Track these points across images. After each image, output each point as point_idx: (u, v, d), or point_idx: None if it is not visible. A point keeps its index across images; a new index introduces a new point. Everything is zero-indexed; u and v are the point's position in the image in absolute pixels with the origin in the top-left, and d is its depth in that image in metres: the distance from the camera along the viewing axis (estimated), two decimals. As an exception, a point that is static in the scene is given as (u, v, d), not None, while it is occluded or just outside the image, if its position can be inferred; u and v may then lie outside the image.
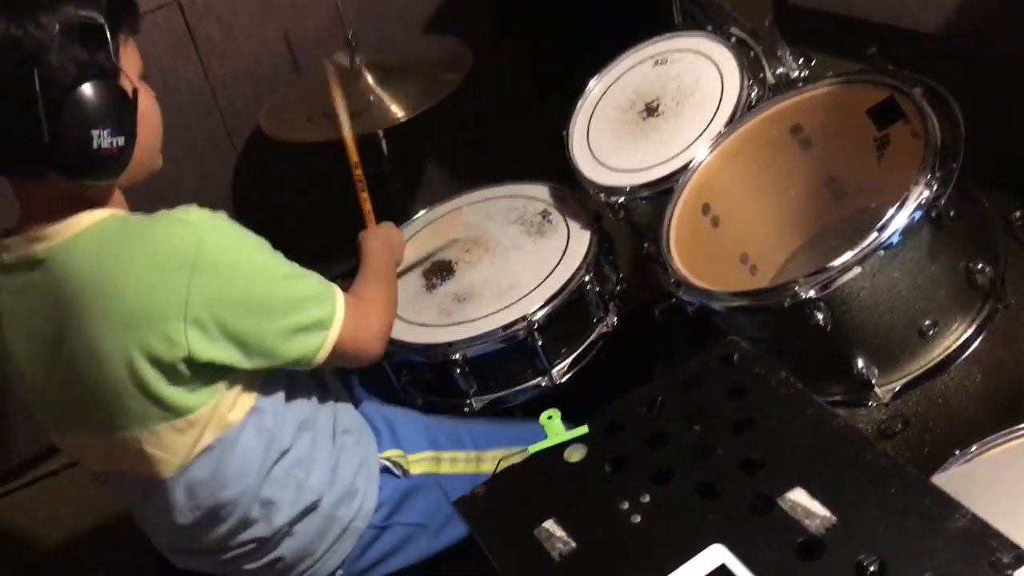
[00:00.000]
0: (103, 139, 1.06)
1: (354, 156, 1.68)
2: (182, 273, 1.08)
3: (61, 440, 1.25)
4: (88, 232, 1.11)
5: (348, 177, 1.68)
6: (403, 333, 1.62)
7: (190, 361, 1.11)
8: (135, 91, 1.11)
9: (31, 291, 1.14)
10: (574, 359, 1.62)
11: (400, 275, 1.70)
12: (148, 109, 1.15)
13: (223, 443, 1.18)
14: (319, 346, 1.21)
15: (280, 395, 1.24)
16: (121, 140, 1.08)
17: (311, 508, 1.28)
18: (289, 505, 1.26)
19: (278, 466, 1.24)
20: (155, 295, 1.08)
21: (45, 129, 1.03)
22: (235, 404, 1.18)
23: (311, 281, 1.23)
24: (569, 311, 1.59)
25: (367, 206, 1.64)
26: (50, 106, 1.02)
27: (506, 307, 1.58)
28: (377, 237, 1.55)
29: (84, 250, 1.11)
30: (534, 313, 1.55)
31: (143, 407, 1.13)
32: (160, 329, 1.08)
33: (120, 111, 1.08)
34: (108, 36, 1.07)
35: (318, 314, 1.21)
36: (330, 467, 1.29)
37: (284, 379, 1.25)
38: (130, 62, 1.13)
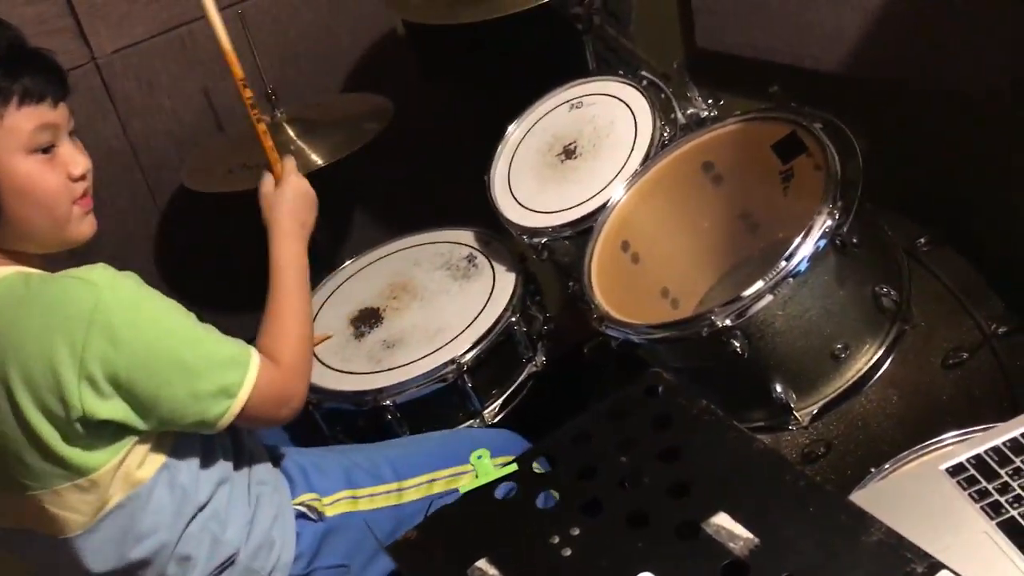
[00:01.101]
0: None
1: (239, 72, 1.47)
2: (78, 330, 1.06)
3: None
4: None
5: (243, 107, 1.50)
6: (333, 382, 1.62)
7: (85, 420, 1.09)
8: None
9: None
10: (505, 399, 1.64)
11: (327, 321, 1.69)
12: (26, 185, 1.11)
13: (133, 501, 1.16)
14: (220, 414, 1.17)
15: (194, 449, 1.22)
16: None
17: (228, 563, 1.26)
18: (205, 560, 1.23)
19: (194, 522, 1.22)
20: (50, 353, 1.06)
21: None
22: (144, 461, 1.16)
23: (221, 347, 1.19)
24: (498, 352, 1.61)
25: (268, 141, 1.46)
26: None
27: (435, 351, 1.60)
28: (283, 212, 1.39)
29: None
30: (463, 355, 1.56)
31: (43, 466, 1.11)
32: (55, 387, 1.07)
33: None
34: None
35: (223, 382, 1.17)
36: (247, 520, 1.28)
37: (197, 434, 1.24)
38: (11, 130, 1.09)
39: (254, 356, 1.21)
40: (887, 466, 1.11)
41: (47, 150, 1.13)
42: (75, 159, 1.16)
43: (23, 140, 1.10)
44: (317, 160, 1.91)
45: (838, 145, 1.33)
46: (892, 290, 1.31)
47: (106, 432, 1.12)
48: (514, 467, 1.08)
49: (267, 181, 1.45)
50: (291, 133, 1.98)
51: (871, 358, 1.32)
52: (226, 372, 1.17)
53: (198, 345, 1.17)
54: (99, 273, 1.11)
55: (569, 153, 1.72)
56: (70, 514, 1.15)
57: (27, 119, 1.10)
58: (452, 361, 1.56)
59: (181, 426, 1.17)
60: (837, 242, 1.23)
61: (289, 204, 1.41)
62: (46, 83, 1.12)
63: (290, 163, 1.47)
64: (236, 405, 1.17)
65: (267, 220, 1.41)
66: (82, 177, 1.17)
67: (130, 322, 1.10)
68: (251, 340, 1.26)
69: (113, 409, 1.10)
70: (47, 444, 1.09)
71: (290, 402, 1.26)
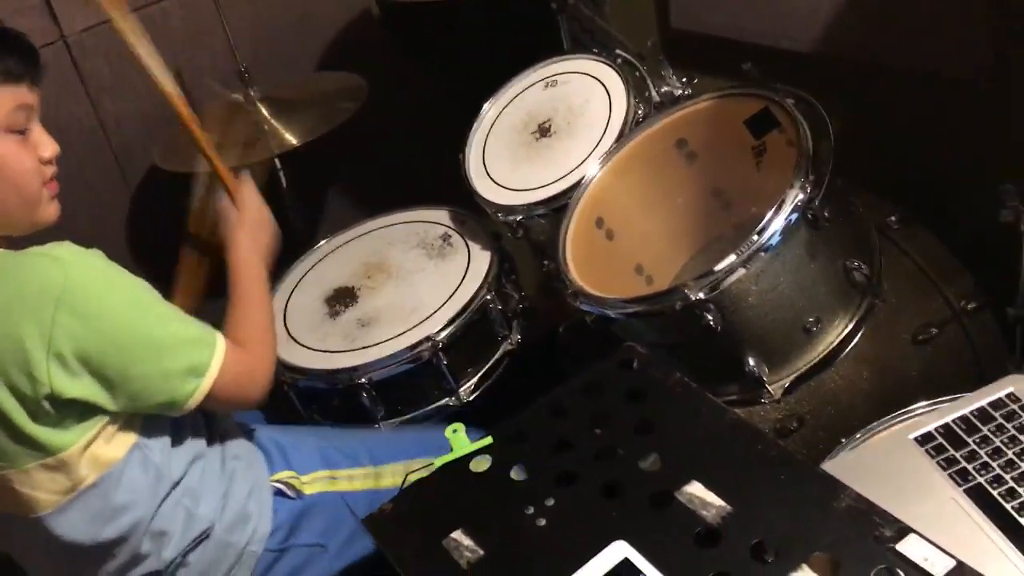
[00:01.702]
0: None
1: (184, 110, 1.44)
2: (46, 307, 1.05)
3: None
4: None
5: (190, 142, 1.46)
6: (308, 360, 1.61)
7: (53, 399, 1.08)
8: None
9: None
10: (480, 377, 1.64)
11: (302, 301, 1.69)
12: (1, 165, 1.11)
13: (106, 480, 1.16)
14: (189, 394, 1.16)
15: (165, 427, 1.22)
16: None
17: (203, 536, 1.26)
18: (180, 535, 1.23)
19: (168, 499, 1.22)
20: (17, 329, 1.05)
21: None
22: (113, 441, 1.16)
23: (188, 326, 1.19)
24: (473, 330, 1.61)
25: (221, 168, 1.44)
26: None
27: (410, 329, 1.60)
28: (244, 236, 1.39)
29: None
30: (438, 333, 1.56)
31: (10, 445, 1.10)
32: (23, 365, 1.06)
33: None
34: None
35: (191, 360, 1.16)
36: (220, 494, 1.28)
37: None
38: None
39: (220, 337, 1.21)
40: (858, 436, 1.13)
41: (22, 132, 1.14)
42: (45, 142, 1.17)
43: (1, 119, 1.11)
44: (292, 140, 1.89)
45: (811, 121, 1.34)
46: (863, 264, 1.32)
47: (74, 411, 1.11)
48: (489, 440, 1.08)
49: (226, 203, 1.44)
50: (264, 113, 1.97)
51: (842, 332, 1.33)
52: (194, 350, 1.17)
53: (167, 323, 1.17)
54: (66, 249, 1.11)
55: (544, 131, 1.72)
56: (40, 493, 1.14)
57: (5, 99, 1.11)
58: (427, 339, 1.56)
59: (150, 406, 1.16)
60: (809, 216, 1.24)
61: (247, 228, 1.41)
62: (25, 65, 1.13)
63: (247, 185, 1.46)
64: (205, 384, 1.17)
65: (226, 240, 1.40)
66: (50, 161, 1.18)
67: (99, 299, 1.09)
68: (217, 325, 1.26)
69: (82, 387, 1.09)
70: (14, 422, 1.08)
71: (256, 384, 1.26)
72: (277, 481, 1.36)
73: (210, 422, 1.31)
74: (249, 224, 1.41)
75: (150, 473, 1.19)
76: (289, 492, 1.36)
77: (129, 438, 1.18)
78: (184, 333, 1.18)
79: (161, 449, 1.21)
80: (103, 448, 1.15)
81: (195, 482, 1.25)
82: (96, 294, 1.09)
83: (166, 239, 2.26)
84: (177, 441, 1.24)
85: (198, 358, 1.17)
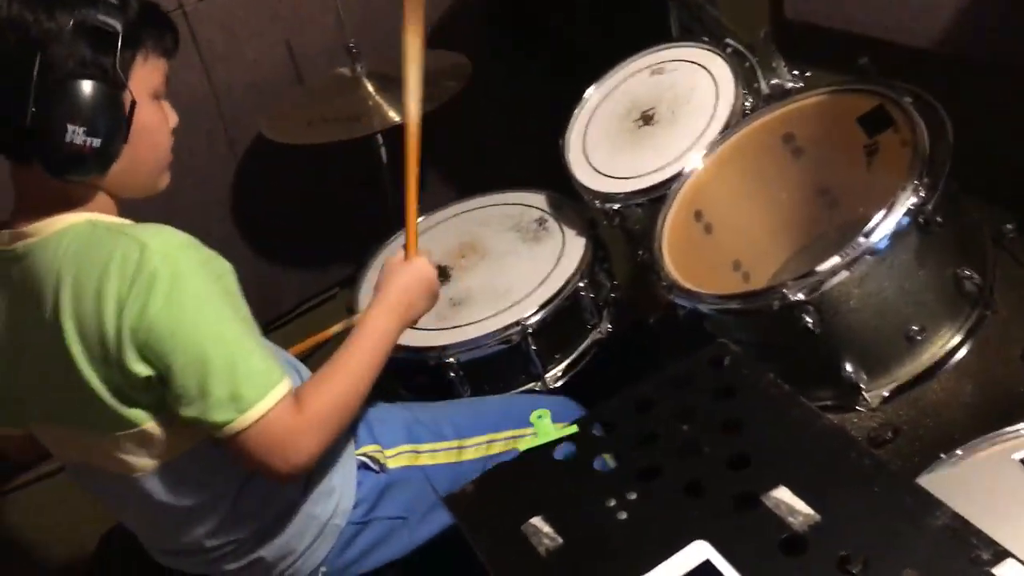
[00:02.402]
0: (76, 135, 1.06)
1: (414, 177, 1.42)
2: (123, 288, 1.07)
3: (37, 431, 1.26)
4: (61, 234, 1.13)
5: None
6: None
7: (126, 376, 1.10)
8: (133, 104, 1.12)
9: (8, 285, 1.16)
10: (568, 365, 1.63)
11: None
12: (151, 126, 1.16)
13: (194, 452, 1.18)
14: (222, 423, 1.09)
15: None
16: (96, 142, 1.08)
17: (288, 509, 1.28)
18: (264, 506, 1.26)
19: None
20: (98, 306, 1.08)
21: (29, 113, 1.05)
22: None
23: (253, 358, 1.11)
24: (563, 317, 1.61)
25: (412, 234, 1.40)
26: (41, 92, 1.04)
27: (501, 312, 1.60)
28: (399, 282, 1.32)
29: (53, 251, 1.12)
30: (528, 318, 1.56)
31: (98, 417, 1.13)
32: (103, 340, 1.09)
33: (104, 115, 1.08)
34: (119, 44, 1.08)
35: (237, 390, 1.08)
36: None
37: None
38: (143, 78, 1.13)
39: (281, 387, 1.11)
40: (959, 451, 1.08)
41: (159, 98, 1.19)
42: (172, 114, 1.22)
43: (152, 86, 1.16)
44: (395, 117, 1.91)
45: (927, 121, 1.28)
46: (975, 274, 1.26)
47: (148, 389, 1.12)
48: (574, 429, 1.08)
49: (397, 254, 1.39)
50: (370, 88, 1.99)
51: (948, 343, 1.28)
52: (244, 383, 1.09)
53: (227, 345, 1.10)
54: (158, 237, 1.10)
55: (647, 119, 1.69)
56: (132, 458, 1.18)
57: (157, 69, 1.16)
58: (517, 323, 1.56)
59: (184, 416, 1.11)
60: (920, 220, 1.19)
61: (407, 280, 1.33)
62: (173, 40, 1.18)
63: (425, 255, 1.40)
64: (241, 422, 1.09)
65: (379, 285, 1.34)
66: (173, 131, 1.22)
67: (167, 296, 1.08)
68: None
69: (143, 369, 1.10)
70: (97, 396, 1.12)
71: (292, 457, 1.12)
72: (362, 455, 1.38)
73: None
74: (412, 277, 1.34)
75: None
76: (373, 466, 1.38)
77: None
78: (242, 364, 1.10)
79: None
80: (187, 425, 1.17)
81: None
82: (165, 291, 1.08)
83: (271, 205, 2.32)
84: None
85: (245, 392, 1.09)
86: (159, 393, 1.13)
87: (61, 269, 1.11)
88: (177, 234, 1.12)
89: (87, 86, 1.06)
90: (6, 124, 1.07)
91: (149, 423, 1.15)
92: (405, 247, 1.39)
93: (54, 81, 1.05)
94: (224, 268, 1.14)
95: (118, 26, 1.08)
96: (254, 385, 1.09)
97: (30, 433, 1.27)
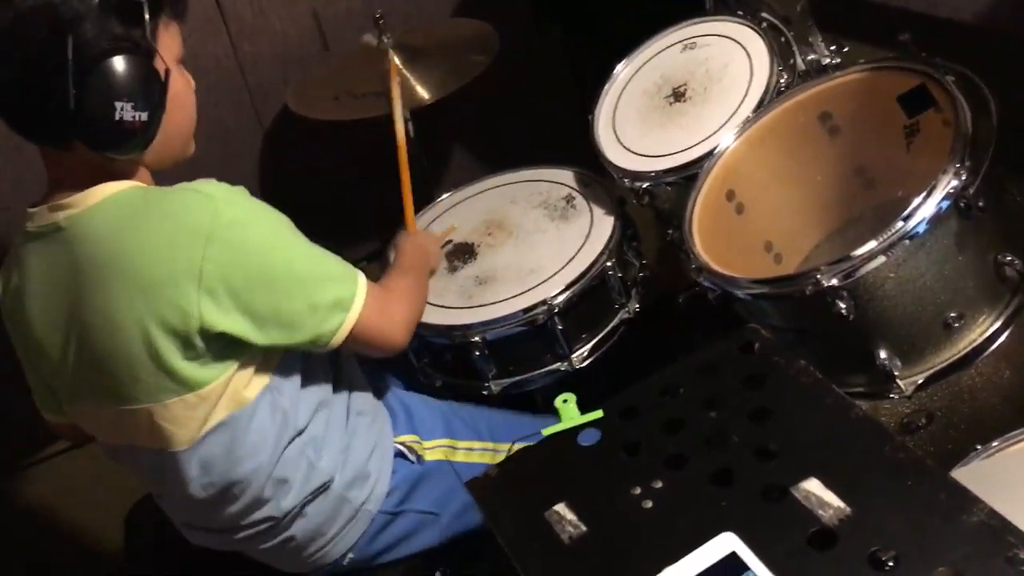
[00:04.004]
0: (125, 112, 1.07)
1: (404, 157, 1.70)
2: (197, 243, 1.08)
3: (74, 412, 1.26)
4: (108, 201, 1.12)
5: (392, 170, 1.70)
6: (424, 314, 1.62)
7: (203, 332, 1.11)
8: (167, 72, 1.12)
9: (51, 259, 1.15)
10: (594, 345, 1.61)
11: None
12: (181, 92, 1.16)
13: (237, 420, 1.19)
14: (336, 327, 1.19)
15: (296, 374, 1.24)
16: (144, 115, 1.09)
17: (322, 489, 1.28)
18: (301, 484, 1.26)
19: (292, 446, 1.24)
20: (170, 264, 1.08)
21: (72, 96, 1.04)
22: (250, 382, 1.18)
23: (332, 262, 1.22)
24: (590, 296, 1.58)
25: (409, 210, 1.66)
26: (79, 74, 1.04)
27: (527, 291, 1.58)
28: (413, 241, 1.54)
29: (103, 219, 1.12)
30: (555, 297, 1.54)
31: (155, 379, 1.13)
32: (174, 299, 1.09)
33: (147, 87, 1.09)
34: (146, 15, 1.08)
35: (337, 294, 1.19)
36: (342, 448, 1.29)
37: (300, 357, 1.25)
38: (167, 45, 1.14)
39: (361, 277, 1.24)
40: (995, 444, 1.05)
41: (181, 63, 1.19)
42: (190, 78, 1.21)
43: (176, 51, 1.16)
44: (424, 94, 1.89)
45: (971, 101, 1.23)
46: (1017, 259, 1.22)
47: (221, 346, 1.14)
48: (600, 413, 1.06)
49: (401, 232, 1.62)
50: (397, 62, 1.97)
51: (986, 330, 1.24)
52: (340, 285, 1.20)
53: (312, 259, 1.20)
54: (215, 187, 1.14)
55: (679, 96, 1.65)
56: (176, 428, 1.18)
57: (176, 33, 1.17)
58: (544, 302, 1.54)
59: (297, 342, 1.18)
60: (961, 204, 1.15)
61: (420, 239, 1.60)
62: (185, 5, 1.18)
63: (426, 232, 1.71)
64: (351, 317, 1.20)
65: (394, 248, 1.55)
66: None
67: (247, 236, 1.12)
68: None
69: (232, 322, 1.12)
70: (163, 357, 1.12)
71: (396, 326, 1.28)
72: (400, 443, 1.38)
73: (339, 374, 1.33)
74: (419, 241, 1.58)
75: (277, 417, 1.22)
76: (410, 455, 1.38)
77: (263, 379, 1.20)
78: (329, 269, 1.21)
79: (290, 394, 1.24)
80: (240, 387, 1.18)
81: (319, 432, 1.27)
82: (244, 230, 1.12)
83: (298, 178, 2.31)
84: (305, 388, 1.26)
85: (344, 292, 1.20)
86: (228, 347, 1.14)
87: (118, 235, 1.11)
88: (224, 183, 1.16)
89: (126, 61, 1.07)
90: (47, 111, 1.07)
91: (208, 384, 1.16)
92: (405, 224, 1.66)
93: (91, 60, 1.05)
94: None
95: None
96: (347, 283, 1.21)
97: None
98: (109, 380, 1.15)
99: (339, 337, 1.20)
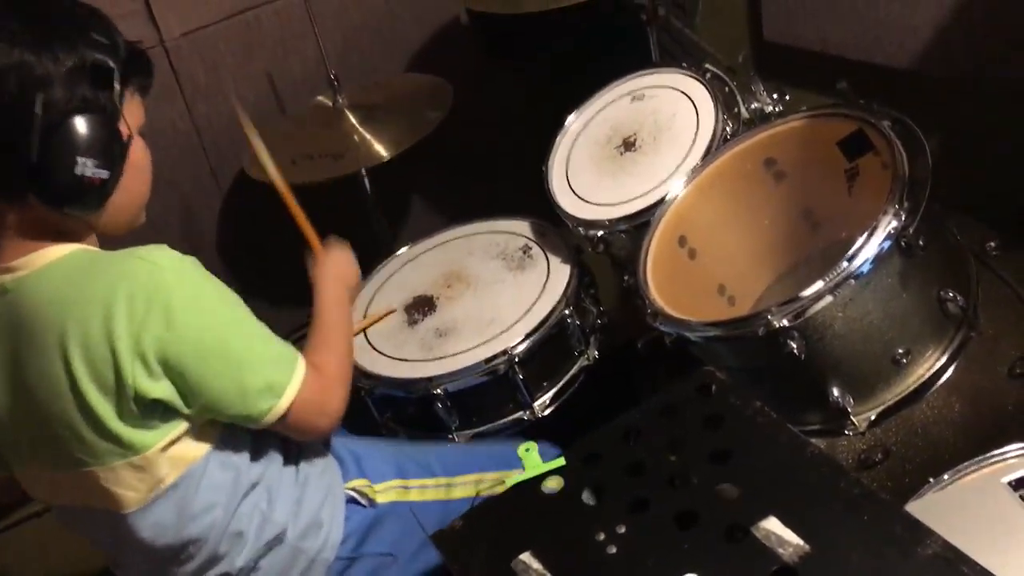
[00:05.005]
0: (87, 168, 1.09)
1: (283, 186, 1.56)
2: (136, 310, 1.08)
3: (27, 476, 1.25)
4: (56, 264, 1.13)
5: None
6: (385, 368, 1.62)
7: (137, 398, 1.11)
8: (130, 137, 1.15)
9: None
10: (556, 392, 1.63)
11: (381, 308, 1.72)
12: (140, 160, 1.18)
13: (187, 480, 1.18)
14: (265, 412, 1.17)
15: (244, 430, 1.24)
16: (104, 173, 1.11)
17: (276, 541, 1.27)
18: (255, 538, 1.25)
19: (246, 499, 1.24)
20: (110, 328, 1.08)
21: (35, 150, 1.06)
22: (194, 441, 1.18)
23: (271, 345, 1.20)
24: (550, 345, 1.60)
25: (310, 234, 1.52)
26: (45, 130, 1.06)
27: (487, 341, 1.59)
28: (328, 275, 1.44)
29: (49, 281, 1.12)
30: (515, 347, 1.56)
31: (99, 443, 1.13)
32: (112, 364, 1.09)
33: (109, 146, 1.11)
34: (116, 83, 1.11)
35: (270, 379, 1.17)
36: (295, 499, 1.29)
37: None
38: (132, 112, 1.16)
39: (300, 359, 1.21)
40: (946, 476, 1.08)
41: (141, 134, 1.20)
42: (148, 151, 1.22)
43: (138, 122, 1.18)
44: (382, 152, 1.91)
45: (907, 144, 1.29)
46: (958, 295, 1.26)
47: (157, 412, 1.13)
48: (562, 461, 1.07)
49: (312, 262, 1.49)
50: (353, 121, 1.99)
51: (934, 364, 1.28)
52: (275, 370, 1.18)
53: (250, 339, 1.18)
54: (164, 256, 1.14)
55: (629, 145, 1.70)
56: (125, 491, 1.17)
57: (140, 106, 1.19)
58: (504, 352, 1.55)
59: (226, 417, 1.18)
60: (902, 244, 1.20)
61: (332, 264, 1.46)
62: (151, 80, 1.21)
63: (340, 246, 1.52)
64: (281, 404, 1.18)
65: (314, 290, 1.43)
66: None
67: (188, 307, 1.12)
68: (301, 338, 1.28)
69: (162, 390, 1.12)
70: (102, 420, 1.11)
71: (330, 413, 1.25)
72: (351, 489, 1.37)
73: None
74: (333, 271, 1.45)
75: (229, 473, 1.22)
76: (362, 500, 1.37)
77: (210, 439, 1.20)
78: (267, 352, 1.19)
79: (240, 450, 1.23)
80: (184, 448, 1.17)
81: (272, 484, 1.27)
82: (185, 302, 1.12)
83: (255, 241, 2.31)
84: (256, 444, 1.26)
85: (277, 377, 1.18)
86: (166, 412, 1.14)
87: (62, 298, 1.11)
88: (174, 251, 1.15)
89: (92, 120, 1.09)
90: (8, 162, 1.08)
91: (151, 448, 1.14)
92: (312, 252, 1.50)
93: (58, 117, 1.07)
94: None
95: (112, 63, 1.11)
96: (282, 369, 1.19)
97: (10, 475, 1.26)
98: (55, 443, 1.15)
99: (268, 420, 1.18)
